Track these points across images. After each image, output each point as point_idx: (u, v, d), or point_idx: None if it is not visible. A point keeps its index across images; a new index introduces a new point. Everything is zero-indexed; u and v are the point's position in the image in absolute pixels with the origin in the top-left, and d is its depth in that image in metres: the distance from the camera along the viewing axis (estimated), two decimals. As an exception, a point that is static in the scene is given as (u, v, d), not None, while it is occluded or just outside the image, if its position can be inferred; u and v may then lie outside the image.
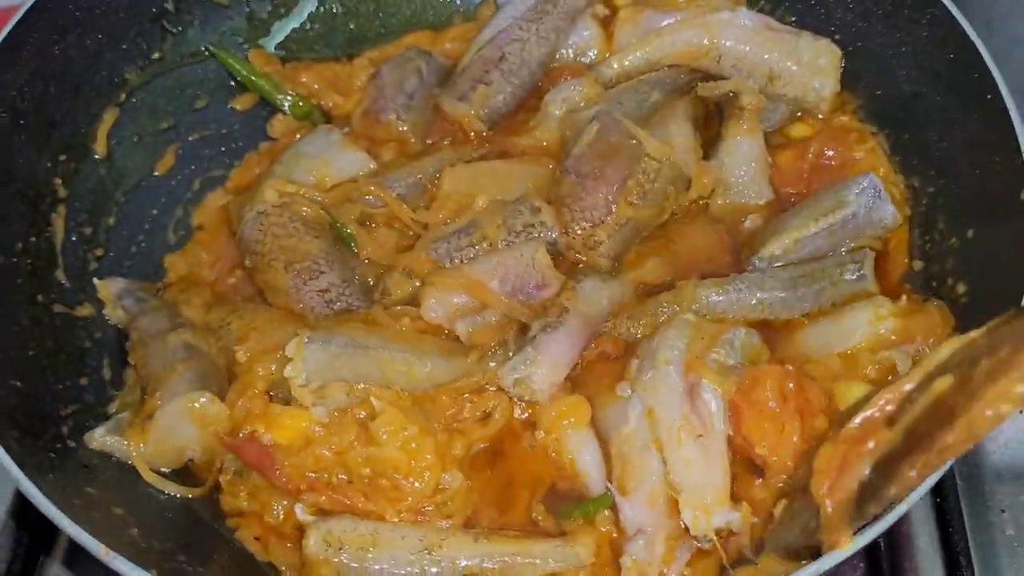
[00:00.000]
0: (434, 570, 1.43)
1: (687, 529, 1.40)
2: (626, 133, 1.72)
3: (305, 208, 1.74)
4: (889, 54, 1.81)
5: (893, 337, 1.55)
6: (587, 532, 1.48)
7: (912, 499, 1.24)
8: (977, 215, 1.59)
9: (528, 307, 1.63)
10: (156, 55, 1.95)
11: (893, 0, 1.79)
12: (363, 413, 1.51)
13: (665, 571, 1.42)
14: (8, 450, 1.36)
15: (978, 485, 1.79)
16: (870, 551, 1.69)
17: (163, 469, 1.57)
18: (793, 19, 1.96)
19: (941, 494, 1.71)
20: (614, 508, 1.48)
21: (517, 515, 1.53)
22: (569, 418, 1.54)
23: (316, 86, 2.02)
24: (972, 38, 1.65)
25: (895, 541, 1.69)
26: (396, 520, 1.48)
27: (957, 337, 1.16)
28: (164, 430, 1.52)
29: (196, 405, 1.51)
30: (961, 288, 1.58)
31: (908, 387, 1.17)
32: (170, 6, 1.95)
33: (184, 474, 1.60)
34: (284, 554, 1.52)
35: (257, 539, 1.54)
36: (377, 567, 1.42)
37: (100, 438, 1.54)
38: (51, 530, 1.63)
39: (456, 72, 1.96)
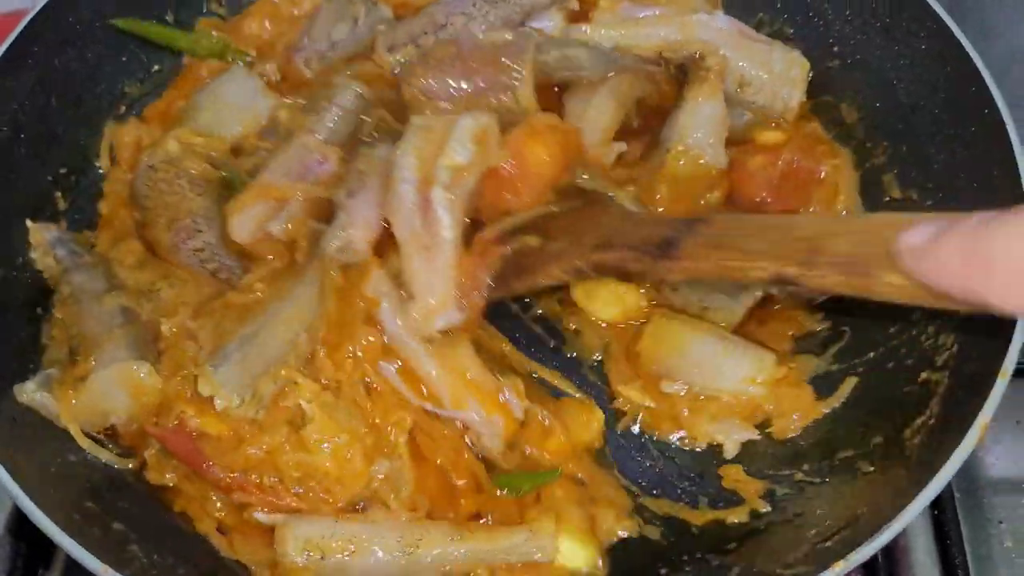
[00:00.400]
0: (414, 569, 1.46)
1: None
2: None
3: (193, 167, 1.73)
4: (887, 67, 1.81)
5: (758, 402, 1.64)
6: (547, 518, 1.52)
7: (909, 516, 1.24)
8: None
9: (320, 184, 1.65)
10: (156, 68, 1.96)
11: (891, 13, 1.80)
12: (291, 404, 1.51)
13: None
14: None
15: (976, 497, 1.79)
16: (868, 564, 1.69)
17: (95, 434, 1.56)
18: (791, 31, 1.96)
19: (939, 506, 1.71)
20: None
21: (468, 503, 1.56)
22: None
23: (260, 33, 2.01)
24: (969, 52, 1.65)
25: (893, 554, 1.69)
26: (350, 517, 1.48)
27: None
28: (96, 394, 1.52)
29: (133, 374, 1.51)
30: (959, 302, 1.57)
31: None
32: (169, 18, 1.96)
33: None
34: (251, 551, 1.51)
35: (221, 533, 1.52)
36: (359, 571, 1.45)
37: (30, 393, 1.52)
38: (49, 543, 1.62)
39: (400, 21, 1.93)
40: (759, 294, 1.67)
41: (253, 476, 1.50)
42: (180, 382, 1.53)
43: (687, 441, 1.67)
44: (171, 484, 1.54)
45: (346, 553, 1.44)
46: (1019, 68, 2.09)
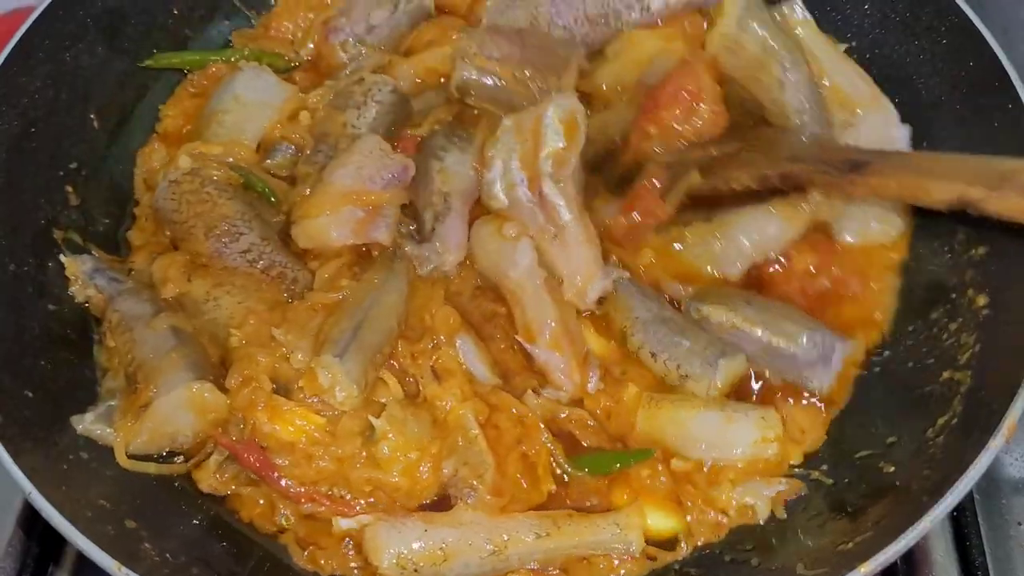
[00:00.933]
0: (503, 568, 1.46)
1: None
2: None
3: (216, 173, 1.73)
4: (907, 62, 1.80)
5: (773, 461, 1.56)
6: (635, 513, 1.50)
7: (936, 517, 1.22)
8: (998, 225, 1.57)
9: (407, 191, 1.71)
10: (167, 61, 1.95)
11: (911, 8, 1.78)
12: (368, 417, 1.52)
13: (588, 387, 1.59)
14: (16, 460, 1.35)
15: (995, 498, 1.77)
16: (887, 566, 1.67)
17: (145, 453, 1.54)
18: (809, 26, 1.94)
19: (958, 507, 1.67)
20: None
21: (539, 488, 1.53)
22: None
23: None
24: (992, 46, 1.63)
25: (912, 556, 1.67)
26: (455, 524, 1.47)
27: None
28: (161, 419, 1.51)
29: (196, 395, 1.50)
30: (981, 300, 1.56)
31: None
32: (176, 9, 1.96)
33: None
34: (338, 562, 1.50)
35: (302, 548, 1.51)
36: (452, 573, 1.45)
37: (88, 424, 1.52)
38: (60, 540, 1.62)
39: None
40: (742, 357, 1.60)
41: (324, 488, 1.50)
42: (251, 392, 1.52)
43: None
44: (227, 492, 1.54)
45: (439, 563, 1.43)
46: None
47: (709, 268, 1.69)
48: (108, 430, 1.52)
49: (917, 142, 1.77)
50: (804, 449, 1.60)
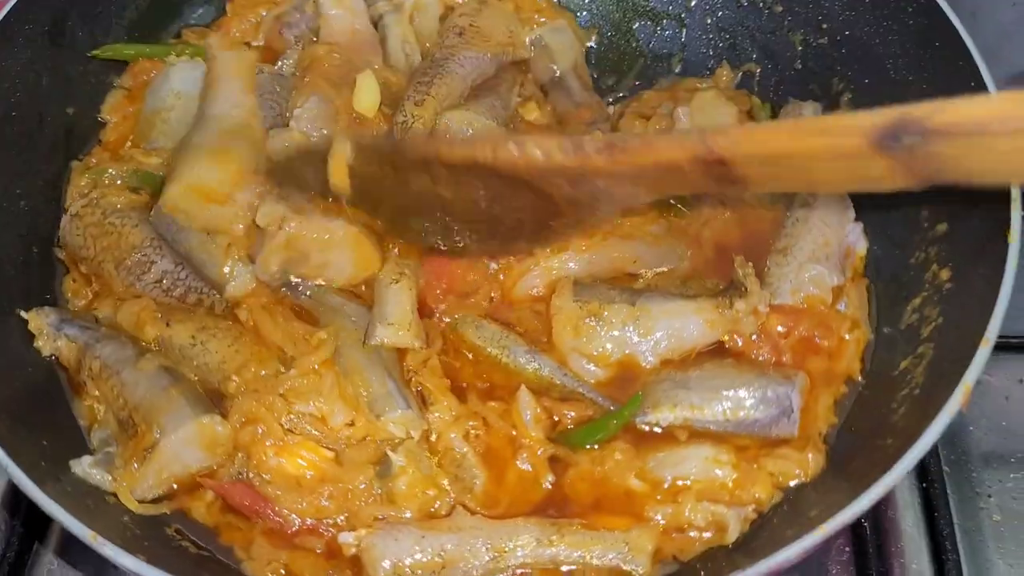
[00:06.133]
0: (499, 570, 1.42)
1: None
2: None
3: (117, 199, 1.67)
4: (876, 43, 1.81)
5: (728, 485, 1.49)
6: (648, 535, 1.45)
7: (893, 479, 1.25)
8: (960, 201, 1.60)
9: None
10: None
11: (880, -10, 1.80)
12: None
13: None
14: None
15: (964, 470, 1.80)
16: (856, 535, 1.71)
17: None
18: (780, 8, 1.96)
19: (927, 479, 1.72)
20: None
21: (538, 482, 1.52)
22: None
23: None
24: (957, 27, 1.65)
25: (881, 526, 1.70)
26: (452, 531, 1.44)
27: None
28: (168, 459, 1.46)
29: (207, 428, 1.47)
30: (945, 275, 1.58)
31: None
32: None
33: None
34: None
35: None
36: None
37: (87, 468, 1.47)
38: (45, 519, 1.65)
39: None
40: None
41: (327, 520, 1.48)
42: (252, 428, 1.49)
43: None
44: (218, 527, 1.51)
45: (437, 571, 1.40)
46: (1008, 47, 2.11)
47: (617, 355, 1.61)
48: (108, 477, 1.47)
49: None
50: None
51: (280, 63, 1.85)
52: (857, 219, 1.75)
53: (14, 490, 1.66)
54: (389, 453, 1.48)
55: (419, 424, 1.51)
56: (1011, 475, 1.81)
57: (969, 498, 1.78)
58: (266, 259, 1.60)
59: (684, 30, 2.10)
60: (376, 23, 1.93)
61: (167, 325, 1.60)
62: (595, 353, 1.60)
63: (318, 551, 1.46)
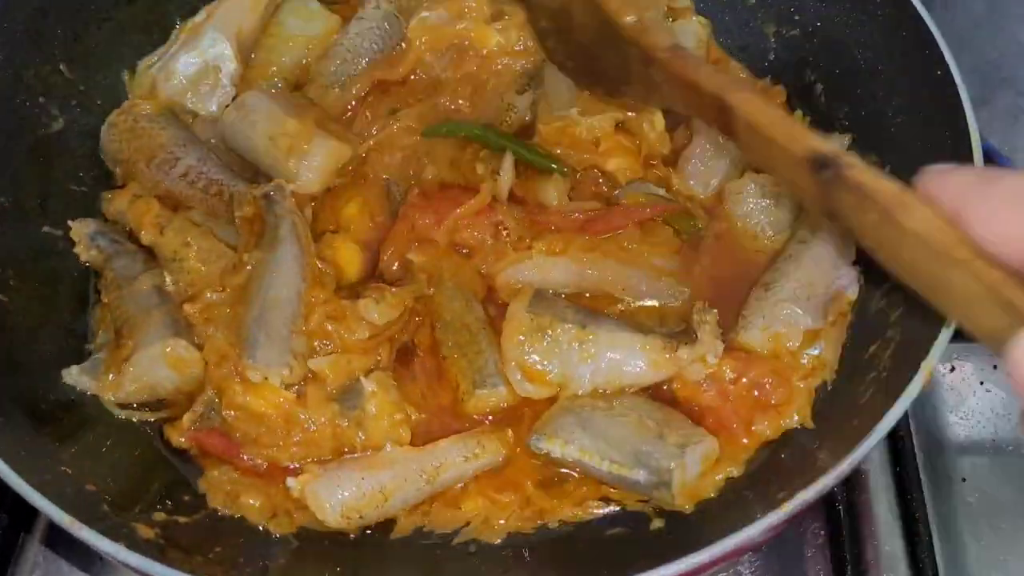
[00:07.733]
0: (440, 488, 1.57)
1: None
2: None
3: (145, 107, 1.85)
4: (847, 33, 1.84)
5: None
6: (495, 433, 1.59)
7: (857, 457, 1.28)
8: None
9: None
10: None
11: (851, -19, 1.83)
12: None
13: None
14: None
15: (938, 455, 1.83)
16: (830, 518, 1.73)
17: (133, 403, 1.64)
18: (753, 1, 1.99)
19: (901, 463, 1.74)
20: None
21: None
22: None
23: None
24: (924, 17, 1.68)
25: (855, 509, 1.72)
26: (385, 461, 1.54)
27: None
28: (140, 372, 1.60)
29: (171, 351, 1.59)
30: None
31: None
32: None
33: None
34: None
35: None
36: (393, 508, 1.54)
37: (74, 376, 1.62)
38: (31, 510, 1.66)
39: None
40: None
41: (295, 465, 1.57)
42: (220, 362, 1.60)
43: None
44: (193, 451, 1.61)
45: (380, 504, 1.51)
46: (980, 37, 2.13)
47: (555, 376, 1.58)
48: (94, 382, 1.62)
49: (856, 108, 1.83)
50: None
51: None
52: (856, 263, 1.68)
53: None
54: (362, 379, 1.56)
55: (274, 374, 1.55)
56: (984, 459, 1.83)
57: (943, 483, 1.80)
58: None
59: (659, 23, 2.12)
60: None
61: (160, 233, 1.74)
62: (535, 369, 1.56)
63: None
